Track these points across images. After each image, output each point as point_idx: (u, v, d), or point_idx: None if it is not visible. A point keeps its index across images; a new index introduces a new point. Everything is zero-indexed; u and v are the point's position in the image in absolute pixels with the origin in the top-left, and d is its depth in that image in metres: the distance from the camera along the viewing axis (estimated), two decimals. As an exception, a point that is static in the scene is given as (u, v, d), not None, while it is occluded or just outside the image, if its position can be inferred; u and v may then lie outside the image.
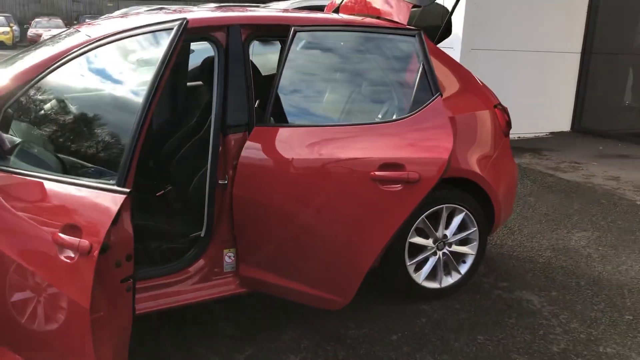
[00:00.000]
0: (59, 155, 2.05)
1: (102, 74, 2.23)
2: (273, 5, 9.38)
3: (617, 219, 4.59)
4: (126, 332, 1.88)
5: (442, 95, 2.50)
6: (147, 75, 1.85)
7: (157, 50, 1.95)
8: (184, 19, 1.99)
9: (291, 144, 2.46)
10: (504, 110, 3.34)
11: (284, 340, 2.83)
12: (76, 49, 2.16)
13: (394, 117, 2.52)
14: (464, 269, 3.26)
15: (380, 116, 2.59)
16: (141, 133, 1.78)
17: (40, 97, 2.12)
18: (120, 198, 1.67)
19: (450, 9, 3.22)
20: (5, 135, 2.06)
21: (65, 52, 2.21)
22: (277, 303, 3.15)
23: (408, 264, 3.07)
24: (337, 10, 3.64)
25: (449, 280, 3.23)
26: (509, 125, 3.35)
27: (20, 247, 1.78)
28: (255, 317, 3.01)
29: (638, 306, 3.21)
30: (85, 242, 1.64)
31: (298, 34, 2.60)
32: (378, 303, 3.17)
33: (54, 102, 2.11)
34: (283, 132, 2.54)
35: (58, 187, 1.80)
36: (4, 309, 1.89)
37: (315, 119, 2.63)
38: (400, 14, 3.11)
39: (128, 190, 1.70)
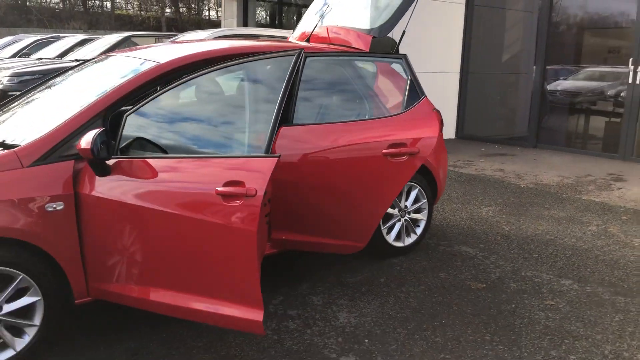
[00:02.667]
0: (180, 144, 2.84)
1: (240, 85, 3.01)
2: (188, 35, 10.10)
3: (510, 197, 5.97)
4: (263, 252, 2.60)
5: (426, 96, 3.59)
6: (276, 85, 2.69)
7: (280, 67, 2.79)
8: (302, 48, 2.84)
9: (315, 136, 3.39)
10: (438, 112, 4.51)
11: (302, 289, 3.73)
12: (200, 71, 2.91)
13: (395, 113, 3.56)
14: (418, 231, 4.35)
15: (384, 113, 3.62)
16: (278, 121, 2.61)
17: (168, 104, 2.88)
18: (274, 160, 2.51)
19: (397, 40, 4.33)
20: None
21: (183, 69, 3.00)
22: (285, 267, 4.05)
23: (382, 228, 4.10)
24: (308, 41, 4.62)
25: (409, 240, 4.31)
26: (442, 123, 4.52)
27: (185, 205, 2.56)
28: (272, 279, 3.88)
29: (540, 249, 4.48)
30: (252, 189, 2.46)
31: (308, 58, 3.56)
32: (362, 260, 4.16)
33: (190, 105, 2.88)
34: (305, 129, 3.46)
35: (206, 162, 2.60)
36: (172, 256, 2.64)
37: (335, 118, 3.57)
38: (361, 43, 4.16)
39: (279, 155, 2.54)
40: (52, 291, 2.86)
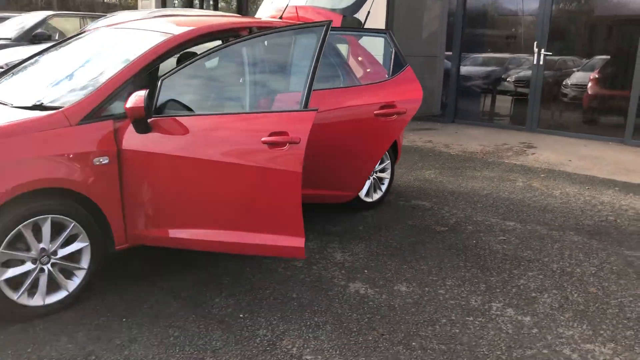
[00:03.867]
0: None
1: (268, 56, 3.41)
2: (120, 15, 10.07)
3: (444, 162, 6.77)
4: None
5: (409, 65, 4.19)
6: (304, 55, 3.14)
7: (311, 38, 3.22)
8: (330, 21, 3.26)
9: (318, 99, 3.86)
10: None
11: (295, 237, 4.23)
12: (225, 44, 3.28)
13: (382, 79, 4.13)
14: (383, 188, 4.98)
15: (374, 79, 4.18)
16: (313, 82, 3.06)
17: (195, 72, 3.26)
18: (313, 113, 2.97)
19: (362, 20, 4.90)
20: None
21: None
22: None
23: (356, 185, 4.68)
24: (280, 19, 5.07)
25: (376, 196, 4.92)
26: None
27: (232, 154, 2.98)
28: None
29: (482, 200, 5.26)
30: (296, 137, 2.92)
31: None
32: (338, 214, 4.73)
33: (219, 74, 3.26)
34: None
35: (250, 117, 3.03)
36: (221, 199, 3.04)
37: (333, 84, 4.07)
38: (333, 22, 4.69)
39: (316, 108, 3.00)
40: (97, 238, 3.19)
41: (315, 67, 3.06)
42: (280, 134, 2.97)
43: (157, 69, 3.55)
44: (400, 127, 4.08)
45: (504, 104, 9.67)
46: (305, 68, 3.09)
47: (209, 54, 3.25)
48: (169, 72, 3.26)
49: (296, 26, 3.31)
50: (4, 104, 3.41)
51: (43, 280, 3.02)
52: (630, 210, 5.06)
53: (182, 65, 3.26)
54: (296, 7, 5.03)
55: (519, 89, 9.28)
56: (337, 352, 2.79)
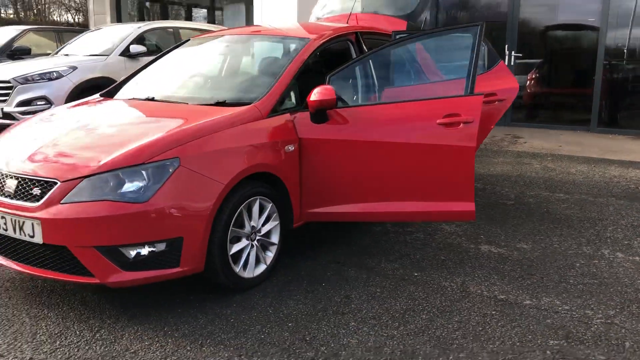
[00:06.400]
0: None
1: (429, 51, 3.93)
2: (106, 28, 10.08)
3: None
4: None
5: (502, 60, 4.86)
6: (463, 49, 3.71)
7: (466, 37, 3.77)
8: (484, 21, 3.81)
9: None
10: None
11: (397, 216, 4.79)
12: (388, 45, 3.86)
13: (480, 72, 4.78)
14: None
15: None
16: (475, 72, 3.61)
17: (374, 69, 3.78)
18: (480, 97, 3.53)
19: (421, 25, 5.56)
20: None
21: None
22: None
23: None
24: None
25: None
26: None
27: (410, 136, 3.50)
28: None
29: (520, 180, 6.05)
30: (469, 117, 3.46)
31: None
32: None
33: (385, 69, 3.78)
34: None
35: (422, 103, 3.56)
36: (399, 175, 3.53)
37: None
38: (398, 27, 5.32)
39: (482, 93, 3.57)
40: (284, 216, 3.61)
41: (476, 58, 3.67)
42: (453, 115, 3.54)
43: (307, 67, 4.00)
44: (501, 113, 4.77)
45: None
46: (465, 60, 3.70)
47: (372, 53, 3.78)
48: (336, 70, 3.75)
49: (453, 27, 3.91)
50: (179, 102, 3.76)
51: (252, 254, 3.41)
52: (641, 180, 6.06)
53: (348, 64, 3.76)
54: (356, 15, 5.61)
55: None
56: (520, 291, 3.40)
